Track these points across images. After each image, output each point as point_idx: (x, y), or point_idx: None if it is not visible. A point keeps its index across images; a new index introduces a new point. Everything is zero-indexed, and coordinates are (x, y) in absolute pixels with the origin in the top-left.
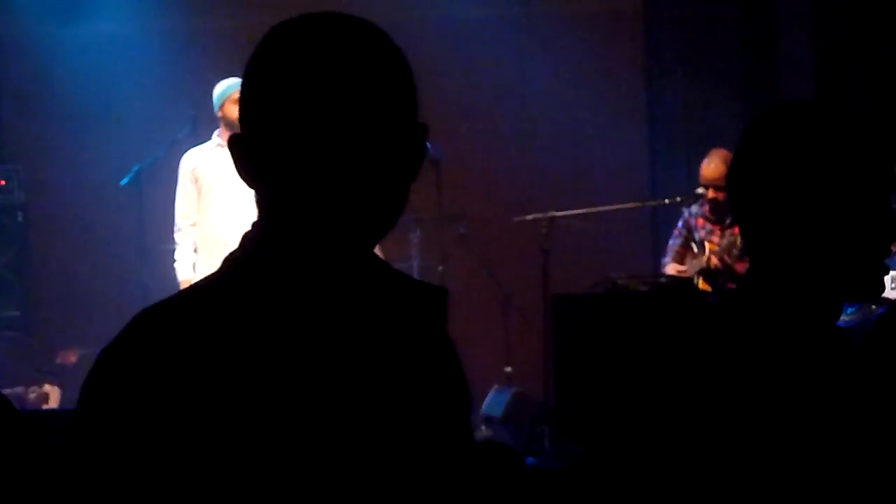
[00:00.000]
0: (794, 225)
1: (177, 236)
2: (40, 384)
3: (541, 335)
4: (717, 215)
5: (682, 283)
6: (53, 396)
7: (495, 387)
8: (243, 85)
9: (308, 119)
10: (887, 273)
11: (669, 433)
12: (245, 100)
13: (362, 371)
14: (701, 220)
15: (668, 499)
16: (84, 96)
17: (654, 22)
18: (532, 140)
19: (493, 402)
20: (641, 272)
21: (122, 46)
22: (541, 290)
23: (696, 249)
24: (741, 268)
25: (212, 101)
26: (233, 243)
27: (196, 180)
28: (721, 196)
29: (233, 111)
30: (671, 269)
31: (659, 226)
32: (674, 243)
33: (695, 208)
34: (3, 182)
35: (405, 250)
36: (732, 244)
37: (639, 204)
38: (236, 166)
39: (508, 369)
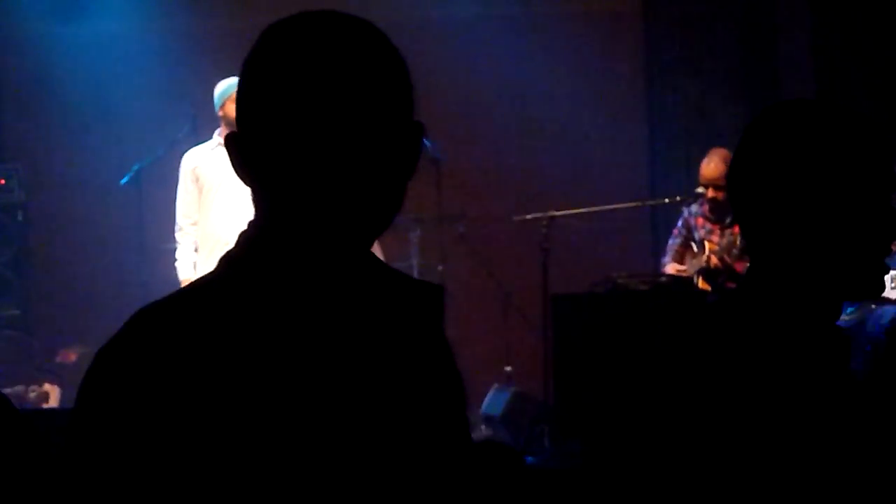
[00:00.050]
0: (794, 224)
1: (178, 235)
2: (40, 383)
3: (540, 335)
4: (717, 215)
5: (681, 283)
6: (53, 395)
7: (495, 386)
8: (240, 84)
9: (304, 117)
10: (888, 272)
11: (669, 433)
12: (241, 98)
13: (358, 369)
14: (701, 220)
15: (667, 498)
16: (84, 95)
17: (653, 22)
18: (532, 140)
19: (492, 401)
20: (641, 271)
21: (122, 46)
22: (540, 290)
23: (695, 249)
24: (741, 267)
25: (211, 101)
26: (233, 242)
27: (197, 179)
28: (721, 195)
29: (233, 110)
30: (671, 268)
31: (658, 225)
32: (673, 243)
33: (694, 208)
34: (3, 181)
35: (405, 250)
36: (732, 243)
37: (638, 203)
38: (233, 165)
39: (508, 369)
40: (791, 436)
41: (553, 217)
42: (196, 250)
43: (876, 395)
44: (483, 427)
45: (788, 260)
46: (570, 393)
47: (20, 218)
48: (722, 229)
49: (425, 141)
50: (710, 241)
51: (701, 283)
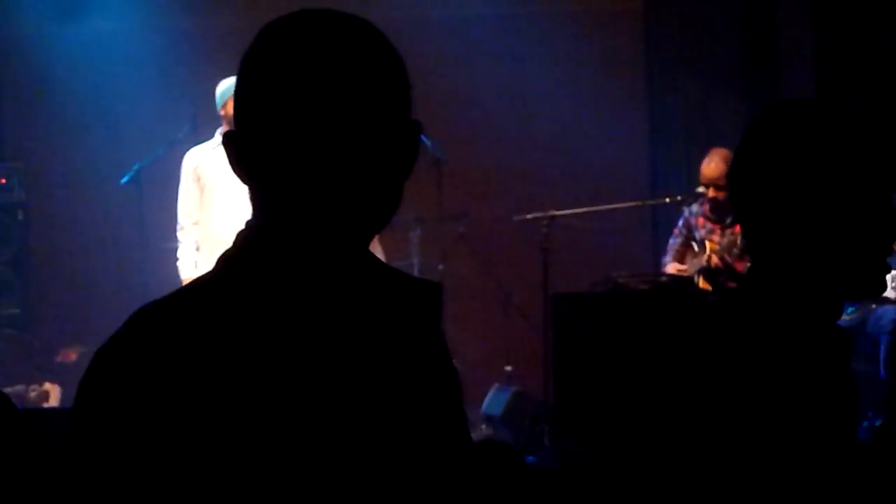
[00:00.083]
0: (795, 223)
1: (179, 234)
2: (41, 382)
3: (541, 334)
4: (718, 214)
5: (682, 283)
6: (54, 395)
7: (495, 385)
8: (237, 82)
9: (301, 116)
10: (889, 272)
11: (670, 432)
12: (239, 97)
13: (355, 368)
14: (701, 220)
15: (668, 498)
16: (84, 95)
17: (654, 20)
18: (532, 139)
19: (493, 400)
20: (642, 271)
21: (122, 45)
22: (541, 289)
23: (696, 248)
24: (741, 267)
25: (212, 100)
26: None
27: (198, 179)
28: (721, 195)
29: None
30: (671, 268)
31: (659, 225)
32: (674, 242)
33: (695, 207)
34: (3, 180)
35: (405, 249)
36: (733, 243)
37: (639, 203)
38: (231, 163)
39: (508, 368)
40: (792, 435)
41: (553, 216)
42: (197, 249)
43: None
44: (483, 426)
45: (789, 259)
46: (571, 393)
47: (20, 217)
48: (723, 229)
49: (426, 140)
50: (710, 240)
51: (701, 283)
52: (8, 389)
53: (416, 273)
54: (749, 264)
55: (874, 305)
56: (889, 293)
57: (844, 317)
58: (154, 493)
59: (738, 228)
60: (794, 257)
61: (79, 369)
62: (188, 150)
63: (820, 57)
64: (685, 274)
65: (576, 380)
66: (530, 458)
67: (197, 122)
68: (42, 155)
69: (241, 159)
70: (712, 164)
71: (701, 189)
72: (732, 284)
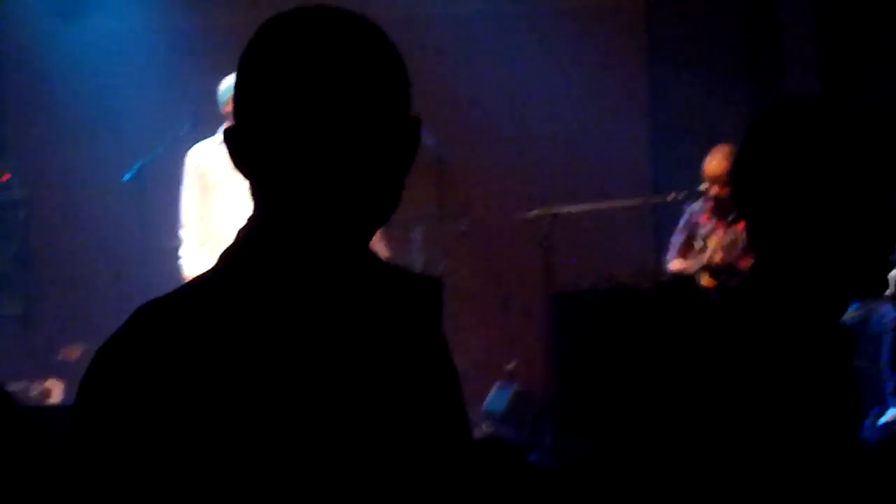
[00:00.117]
0: (798, 221)
1: (182, 232)
2: (43, 380)
3: (543, 332)
4: (721, 212)
5: (684, 280)
6: (56, 392)
7: (497, 383)
8: (237, 79)
9: (300, 112)
10: (892, 269)
11: (672, 430)
12: (238, 93)
13: (354, 366)
14: (704, 217)
15: (671, 496)
16: (86, 93)
17: (655, 16)
18: (534, 136)
19: (495, 398)
20: (644, 269)
21: (123, 43)
22: (543, 287)
23: (698, 246)
24: (744, 264)
25: (213, 97)
26: None
27: (202, 176)
28: (724, 193)
29: None
30: (674, 265)
31: (661, 222)
32: (676, 240)
33: (698, 205)
34: (4, 178)
35: (408, 247)
36: (736, 240)
37: (641, 200)
38: (231, 159)
39: (510, 366)
40: (795, 433)
41: (555, 214)
42: (201, 247)
43: None
44: (485, 424)
45: (793, 257)
46: (572, 391)
47: (22, 215)
48: (725, 226)
49: (428, 138)
50: (713, 238)
51: (704, 281)
52: (10, 386)
53: (418, 271)
54: (752, 262)
55: (877, 303)
56: (892, 290)
57: (848, 314)
58: (155, 491)
59: (740, 226)
60: (796, 255)
61: (81, 366)
62: (190, 147)
63: (823, 54)
64: (688, 272)
65: (578, 378)
66: (532, 456)
67: (198, 120)
68: (44, 153)
69: (241, 156)
70: (715, 162)
71: (703, 186)
72: (735, 282)
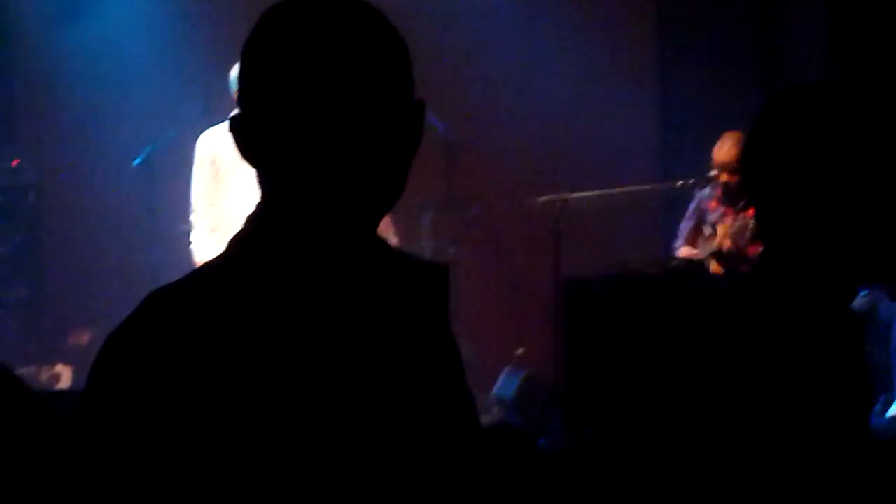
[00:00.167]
0: (808, 207)
1: (193, 217)
2: (52, 364)
3: (552, 318)
4: (730, 198)
5: (694, 266)
6: (65, 377)
7: (507, 369)
8: (240, 67)
9: (303, 99)
10: None
11: (681, 416)
12: (241, 82)
13: (360, 352)
14: (713, 203)
15: (680, 482)
16: (96, 77)
17: (665, 3)
18: (544, 122)
19: (504, 384)
20: (653, 255)
21: (134, 28)
22: (552, 273)
23: (708, 232)
24: (753, 251)
25: (223, 82)
26: None
27: (214, 161)
28: (734, 180)
29: None
30: (683, 252)
31: (671, 208)
32: (686, 226)
33: (707, 191)
34: (15, 162)
35: (417, 233)
36: (745, 227)
37: (651, 186)
38: (237, 147)
39: (520, 351)
40: (805, 419)
41: (565, 200)
42: (212, 232)
43: None
44: (494, 410)
45: (802, 243)
46: (582, 376)
47: (32, 199)
48: (735, 213)
49: (437, 124)
50: (722, 224)
51: (713, 267)
52: (19, 371)
53: (427, 257)
54: (761, 249)
55: (886, 289)
56: None
57: (855, 301)
58: (164, 477)
59: (750, 212)
60: (806, 241)
61: (90, 351)
62: (200, 132)
63: (833, 39)
64: (697, 258)
65: (587, 363)
66: (541, 441)
67: (209, 105)
68: (54, 137)
69: (247, 143)
70: (725, 149)
71: (713, 173)
72: (744, 268)
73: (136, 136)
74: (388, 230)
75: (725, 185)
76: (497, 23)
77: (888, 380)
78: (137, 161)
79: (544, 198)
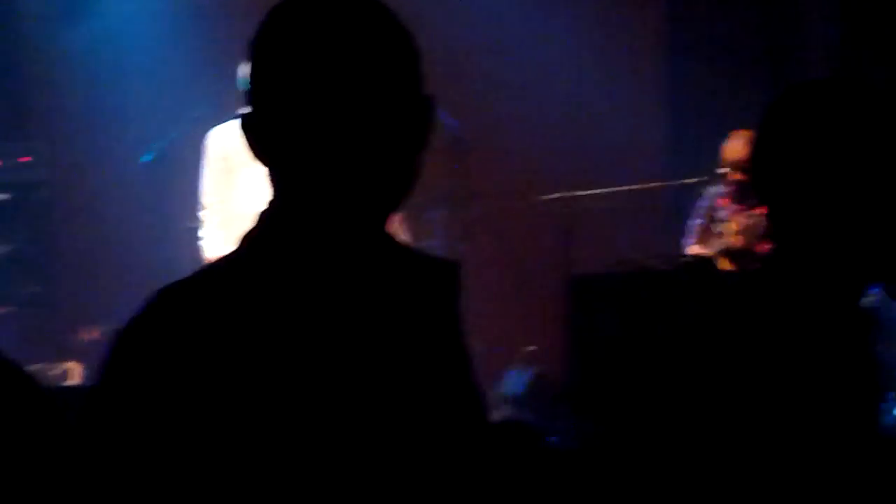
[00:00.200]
0: (818, 205)
1: (203, 214)
2: (62, 361)
3: (562, 314)
4: (740, 196)
5: (703, 263)
6: (75, 373)
7: (516, 366)
8: (248, 64)
9: (311, 96)
10: None
11: (690, 413)
12: (250, 80)
13: (370, 348)
14: (723, 201)
15: (689, 479)
16: (106, 73)
17: (675, 1)
18: (554, 120)
19: (513, 381)
20: (663, 252)
21: (144, 24)
22: (562, 270)
23: (718, 229)
24: (763, 249)
25: (233, 78)
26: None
27: (225, 159)
28: (744, 178)
29: None
30: (693, 249)
31: (680, 205)
32: (695, 224)
33: (716, 188)
34: (26, 159)
35: (427, 230)
36: (755, 224)
37: (660, 184)
38: (247, 145)
39: (530, 348)
40: (814, 416)
41: (575, 197)
42: (221, 229)
43: None
44: (503, 407)
45: (812, 241)
46: (591, 373)
47: (43, 195)
48: (744, 211)
49: (448, 120)
50: (732, 222)
51: (723, 264)
52: (30, 368)
53: (437, 254)
54: (771, 246)
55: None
56: None
57: (867, 298)
58: (174, 472)
59: (759, 210)
60: (816, 238)
61: (100, 348)
62: (210, 129)
63: (845, 36)
64: (706, 256)
65: (596, 360)
66: (550, 438)
67: (218, 102)
68: (65, 133)
69: (256, 141)
70: (735, 147)
71: (722, 170)
72: (754, 266)
73: (145, 133)
74: (398, 227)
75: (735, 183)
76: (506, 21)
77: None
78: (146, 158)
79: (553, 195)
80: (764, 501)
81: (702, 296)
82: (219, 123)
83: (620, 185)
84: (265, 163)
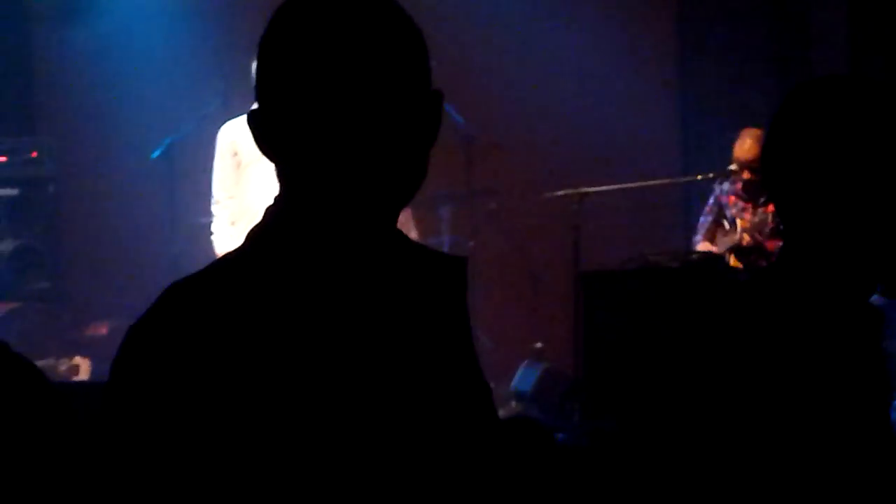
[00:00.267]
0: (828, 202)
1: (214, 209)
2: (71, 356)
3: (571, 311)
4: (750, 194)
5: (713, 260)
6: (84, 368)
7: (525, 362)
8: (257, 61)
9: (319, 92)
10: None
11: (700, 410)
12: (258, 75)
13: (377, 344)
14: (733, 198)
15: (699, 476)
16: (115, 69)
17: None
18: (563, 116)
19: (523, 377)
20: (672, 249)
21: (153, 20)
22: (571, 266)
23: (727, 227)
24: (773, 246)
25: (243, 73)
26: None
27: (235, 153)
28: (754, 177)
29: None
30: (703, 246)
31: (691, 202)
32: (705, 221)
33: (727, 185)
34: (34, 154)
35: (436, 226)
36: (764, 222)
37: (670, 180)
38: (255, 141)
39: (539, 345)
40: (824, 413)
41: (585, 193)
42: (233, 224)
43: None
44: (513, 403)
45: (822, 238)
46: (601, 370)
47: (51, 191)
48: (755, 208)
49: (456, 117)
50: (742, 219)
51: (733, 261)
52: (38, 363)
53: (446, 250)
54: (781, 244)
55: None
56: None
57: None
58: (186, 469)
59: (770, 208)
60: (826, 236)
61: (109, 343)
62: (219, 124)
63: (853, 32)
64: (716, 252)
65: (606, 357)
66: (560, 435)
67: (228, 97)
68: (73, 129)
69: (265, 136)
70: (745, 146)
71: (733, 167)
72: (764, 263)
73: (155, 128)
74: (407, 223)
75: (745, 180)
76: (517, 17)
77: None
78: (156, 153)
79: (563, 192)
80: (774, 499)
81: (711, 293)
82: (231, 118)
83: (630, 182)
84: (273, 158)
